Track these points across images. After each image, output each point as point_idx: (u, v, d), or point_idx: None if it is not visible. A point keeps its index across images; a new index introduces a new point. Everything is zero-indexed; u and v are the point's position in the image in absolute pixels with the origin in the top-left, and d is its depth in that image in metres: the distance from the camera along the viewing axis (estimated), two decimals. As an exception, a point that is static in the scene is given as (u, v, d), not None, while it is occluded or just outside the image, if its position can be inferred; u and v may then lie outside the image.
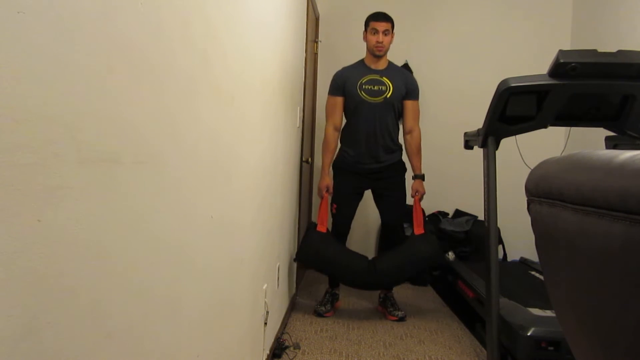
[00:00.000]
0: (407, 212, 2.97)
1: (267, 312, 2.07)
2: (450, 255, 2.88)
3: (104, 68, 0.69)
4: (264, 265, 2.01)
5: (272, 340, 2.27)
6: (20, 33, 0.52)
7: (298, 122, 2.94)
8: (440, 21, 4.00)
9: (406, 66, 3.97)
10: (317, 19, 3.90)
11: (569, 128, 3.02)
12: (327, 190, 2.91)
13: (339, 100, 2.89)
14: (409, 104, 2.89)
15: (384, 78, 2.83)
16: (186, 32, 0.99)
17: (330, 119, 2.92)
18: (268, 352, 2.14)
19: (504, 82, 1.92)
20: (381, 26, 2.76)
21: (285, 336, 2.53)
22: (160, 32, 0.87)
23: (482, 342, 2.53)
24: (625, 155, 0.39)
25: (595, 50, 1.80)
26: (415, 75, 3.94)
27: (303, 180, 3.28)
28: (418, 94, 2.92)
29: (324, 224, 2.87)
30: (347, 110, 2.91)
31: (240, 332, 1.60)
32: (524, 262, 3.39)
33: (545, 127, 1.99)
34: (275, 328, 2.39)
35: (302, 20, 2.96)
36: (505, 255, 3.84)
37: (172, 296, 0.98)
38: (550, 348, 1.95)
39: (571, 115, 2.00)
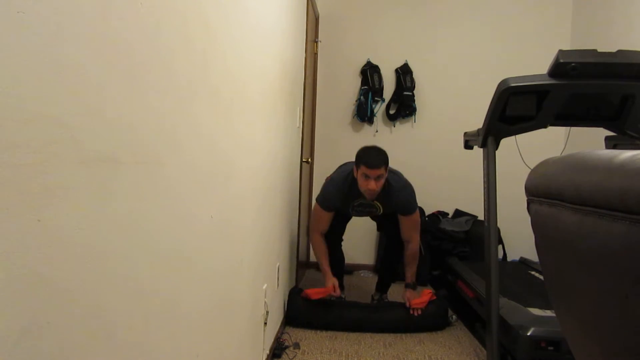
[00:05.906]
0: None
1: (267, 312, 2.07)
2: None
3: (104, 68, 0.69)
4: (264, 265, 2.01)
5: (272, 340, 2.27)
6: (20, 33, 0.52)
7: (298, 122, 2.94)
8: (440, 20, 4.00)
9: (406, 66, 3.97)
10: (317, 19, 3.90)
11: (569, 128, 3.02)
12: (335, 291, 2.78)
13: (329, 214, 2.83)
14: (403, 218, 2.80)
15: (375, 202, 2.76)
16: (185, 32, 0.99)
17: (317, 228, 2.87)
18: (268, 352, 2.14)
19: (503, 82, 1.92)
20: (374, 173, 2.53)
21: (285, 336, 2.53)
22: (160, 32, 0.87)
23: (482, 342, 2.53)
24: (625, 155, 0.39)
25: (595, 50, 1.80)
26: (415, 74, 3.97)
27: (303, 180, 3.28)
28: (413, 209, 2.79)
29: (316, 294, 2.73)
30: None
31: (240, 332, 1.60)
32: (524, 262, 3.39)
33: (545, 127, 1.99)
34: (275, 328, 2.39)
35: (302, 20, 2.96)
36: (505, 255, 3.84)
37: (172, 296, 0.98)
38: (550, 348, 1.95)
39: (571, 115, 2.00)
